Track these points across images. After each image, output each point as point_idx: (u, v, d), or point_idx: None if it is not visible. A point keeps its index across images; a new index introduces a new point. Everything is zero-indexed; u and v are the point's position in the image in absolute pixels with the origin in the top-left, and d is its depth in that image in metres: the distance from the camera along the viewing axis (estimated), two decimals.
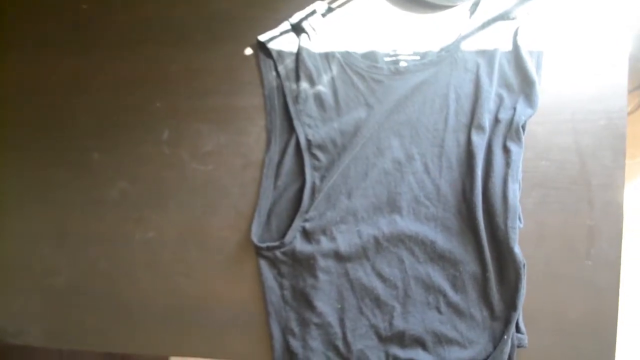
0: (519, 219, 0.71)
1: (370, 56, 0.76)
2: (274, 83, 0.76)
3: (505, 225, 0.68)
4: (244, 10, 0.80)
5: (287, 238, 0.71)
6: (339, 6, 0.79)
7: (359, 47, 0.76)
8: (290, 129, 0.74)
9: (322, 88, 0.74)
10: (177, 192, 0.78)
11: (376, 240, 0.71)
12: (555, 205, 0.73)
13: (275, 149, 0.75)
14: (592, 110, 0.74)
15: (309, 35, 0.75)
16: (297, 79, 0.75)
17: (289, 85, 0.75)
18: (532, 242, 0.72)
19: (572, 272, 0.72)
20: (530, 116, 0.71)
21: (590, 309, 0.71)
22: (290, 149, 0.74)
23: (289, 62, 0.76)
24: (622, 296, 0.72)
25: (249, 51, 0.80)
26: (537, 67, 0.74)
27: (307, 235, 0.72)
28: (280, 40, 0.76)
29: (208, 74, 0.80)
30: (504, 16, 0.74)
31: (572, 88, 0.75)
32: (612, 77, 0.75)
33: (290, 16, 0.77)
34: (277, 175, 0.74)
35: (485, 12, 0.75)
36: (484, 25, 0.75)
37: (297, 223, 0.72)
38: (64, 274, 0.79)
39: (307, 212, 0.72)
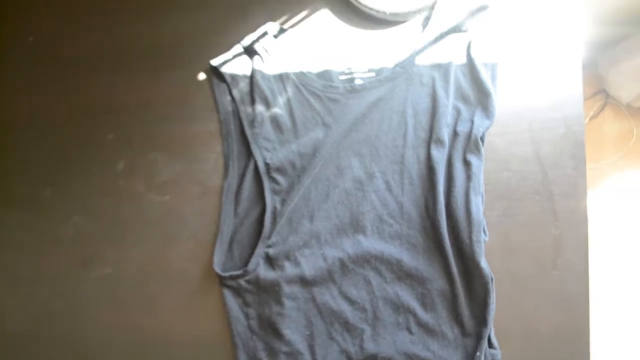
0: (484, 232, 0.70)
1: (325, 75, 0.75)
2: (229, 107, 0.75)
3: (470, 239, 0.67)
4: (195, 36, 0.78)
5: (251, 265, 0.69)
6: (291, 26, 0.79)
7: (313, 66, 0.75)
8: (248, 153, 0.73)
9: (278, 110, 0.73)
10: (134, 225, 0.75)
11: (342, 263, 0.70)
12: (519, 217, 0.73)
13: (234, 175, 0.73)
14: (550, 119, 0.75)
15: (262, 58, 0.74)
16: (252, 102, 0.73)
17: (245, 109, 0.74)
18: (498, 255, 0.72)
19: (540, 284, 0.71)
20: (488, 127, 0.71)
21: (561, 320, 0.71)
22: (249, 174, 0.72)
23: (243, 86, 0.75)
24: (593, 306, 0.71)
25: (202, 76, 0.78)
26: (493, 78, 0.73)
27: (270, 261, 0.70)
28: (233, 63, 0.75)
29: (161, 101, 0.77)
30: (456, 29, 0.74)
31: (528, 98, 0.75)
32: (568, 85, 0.75)
33: (242, 39, 0.76)
34: (236, 201, 0.72)
35: (437, 25, 0.74)
36: (437, 39, 0.74)
37: (260, 249, 0.69)
38: (16, 319, 0.75)
39: (269, 237, 0.70)
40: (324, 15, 0.79)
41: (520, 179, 0.73)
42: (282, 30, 0.76)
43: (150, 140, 0.77)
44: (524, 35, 0.76)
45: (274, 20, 0.77)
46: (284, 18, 0.79)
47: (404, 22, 0.77)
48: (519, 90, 0.75)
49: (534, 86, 0.75)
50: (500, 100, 0.74)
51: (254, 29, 0.75)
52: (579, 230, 0.72)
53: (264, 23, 0.76)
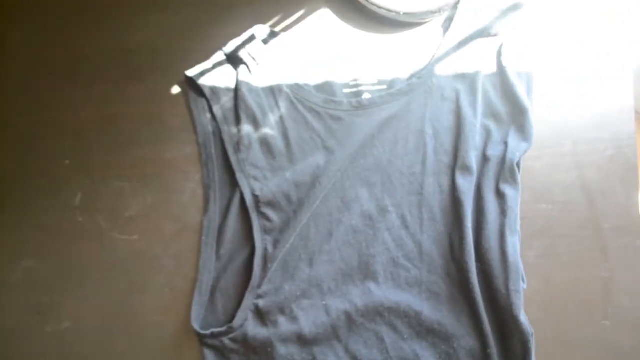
0: (522, 278, 0.60)
1: (326, 88, 0.65)
2: (210, 127, 0.65)
3: (507, 288, 0.57)
4: (169, 41, 0.69)
5: (237, 321, 0.59)
6: (285, 29, 0.68)
7: (311, 77, 0.66)
8: (233, 183, 0.63)
9: (269, 131, 0.63)
10: (95, 270, 0.65)
11: (348, 316, 0.60)
12: (562, 257, 0.64)
13: (215, 209, 0.63)
14: (596, 139, 0.66)
15: (248, 67, 0.64)
16: (238, 121, 0.63)
17: (228, 130, 0.63)
18: (537, 303, 0.63)
19: (588, 336, 0.63)
20: (526, 151, 0.61)
21: None
22: (234, 209, 0.62)
23: (226, 101, 0.64)
24: None
25: (176, 89, 0.68)
26: (528, 91, 0.64)
27: (261, 315, 0.60)
28: (214, 74, 0.65)
29: (127, 119, 0.67)
30: (483, 32, 0.64)
31: (570, 114, 0.67)
32: (617, 98, 0.66)
33: (225, 44, 0.65)
34: (219, 241, 0.62)
35: (461, 28, 0.65)
36: (461, 44, 0.64)
37: (248, 301, 0.59)
38: None
39: (259, 286, 0.60)
40: (324, 16, 0.70)
41: (563, 211, 0.65)
42: (273, 34, 0.67)
43: (114, 167, 0.67)
44: (565, 39, 0.67)
45: (263, 22, 0.68)
46: (275, 19, 0.69)
47: (421, 24, 0.68)
48: (560, 105, 0.67)
49: (577, 100, 0.66)
50: (538, 117, 0.65)
51: (239, 33, 0.66)
52: (633, 271, 0.64)
53: (251, 26, 0.66)
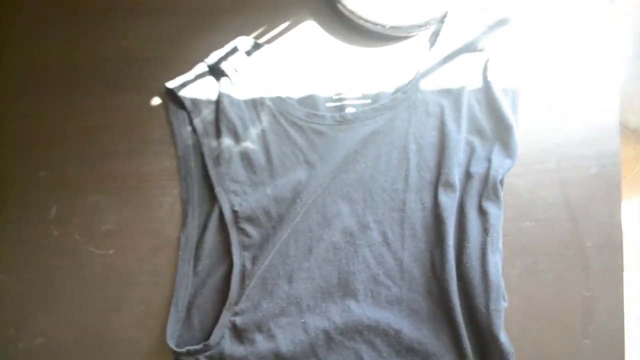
0: (503, 297, 0.59)
1: (309, 102, 0.63)
2: (190, 140, 0.63)
3: (487, 308, 0.56)
4: (150, 51, 0.66)
5: (213, 338, 0.57)
6: (268, 41, 0.66)
7: (294, 91, 0.64)
8: (212, 198, 0.61)
9: (250, 144, 0.61)
10: (69, 285, 0.63)
11: (327, 335, 0.58)
12: (544, 274, 0.64)
13: (194, 224, 0.61)
14: (580, 156, 0.65)
15: (230, 79, 0.62)
16: (218, 134, 0.61)
17: (208, 143, 0.61)
18: (519, 321, 0.62)
19: (568, 355, 0.62)
20: (509, 168, 0.60)
21: None
22: (213, 224, 0.60)
23: (207, 114, 0.62)
24: None
25: (156, 101, 0.65)
26: (514, 107, 0.62)
27: (238, 333, 0.58)
28: (195, 86, 0.62)
29: (105, 131, 0.65)
30: (470, 47, 0.63)
31: (555, 131, 0.65)
32: (602, 115, 0.66)
33: (207, 56, 0.63)
34: (197, 257, 0.60)
35: (447, 42, 0.63)
36: (447, 59, 0.63)
37: (225, 318, 0.58)
38: None
39: (236, 303, 0.58)
40: (309, 28, 0.67)
41: (546, 228, 0.64)
42: (256, 46, 0.65)
43: (90, 179, 0.64)
44: (551, 55, 0.66)
45: (248, 32, 0.66)
46: (260, 30, 0.67)
47: (406, 37, 0.66)
48: (544, 122, 0.65)
49: (562, 117, 0.65)
50: (523, 133, 0.63)
51: (223, 43, 0.63)
52: (614, 290, 0.63)
53: (235, 36, 0.64)
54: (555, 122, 0.65)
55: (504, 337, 0.56)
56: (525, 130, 0.64)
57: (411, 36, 0.66)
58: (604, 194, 0.64)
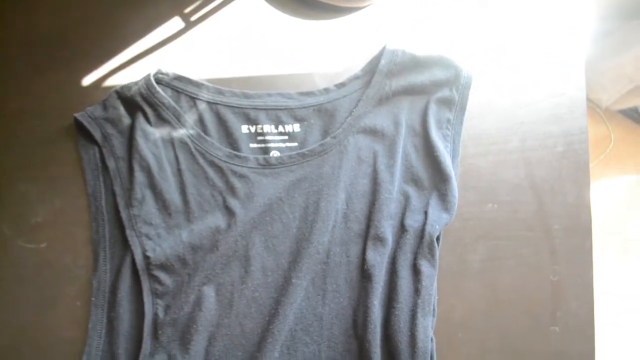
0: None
1: (231, 140, 0.58)
2: (100, 178, 0.57)
3: None
4: (79, 28, 0.62)
5: None
6: (202, 18, 0.62)
7: (215, 127, 0.59)
8: (125, 240, 0.56)
9: (165, 184, 0.56)
10: (0, 281, 0.58)
11: None
12: (508, 260, 0.60)
13: (105, 269, 0.56)
14: (546, 134, 0.62)
15: (146, 113, 0.57)
16: (131, 172, 0.56)
17: (120, 182, 0.56)
18: (482, 310, 0.59)
19: (535, 344, 0.59)
20: (447, 224, 0.56)
21: None
22: (126, 269, 0.55)
23: (119, 149, 0.57)
24: None
25: (88, 81, 0.61)
26: (454, 155, 0.58)
27: None
28: (106, 119, 0.57)
29: (33, 115, 0.60)
30: (407, 89, 0.58)
31: (518, 108, 0.62)
32: (568, 90, 0.62)
33: (138, 33, 0.59)
34: (111, 304, 0.55)
35: (383, 82, 0.59)
36: (382, 101, 0.58)
37: None
38: None
39: (152, 355, 0.53)
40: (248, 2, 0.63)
41: (510, 211, 0.61)
42: (176, 77, 0.59)
43: (18, 167, 0.60)
44: (513, 27, 0.63)
45: (179, 7, 0.62)
46: (195, 5, 0.62)
47: (359, 8, 0.62)
48: (506, 98, 0.62)
49: (526, 93, 0.62)
50: (484, 111, 0.61)
51: (153, 20, 0.59)
52: (583, 275, 0.60)
53: (166, 12, 0.60)
54: (518, 98, 0.62)
55: None
56: (487, 107, 0.61)
57: (365, 6, 0.62)
58: (571, 173, 0.61)
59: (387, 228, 0.55)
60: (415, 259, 0.55)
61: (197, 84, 0.58)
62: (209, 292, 0.54)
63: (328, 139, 0.57)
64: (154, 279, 0.54)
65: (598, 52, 1.36)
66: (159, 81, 0.58)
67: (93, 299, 0.55)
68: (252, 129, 0.58)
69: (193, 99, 0.58)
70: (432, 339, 0.55)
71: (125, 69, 0.60)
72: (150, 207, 0.55)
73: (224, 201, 0.56)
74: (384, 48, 0.59)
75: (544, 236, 0.60)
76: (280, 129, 0.58)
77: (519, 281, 0.60)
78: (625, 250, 1.43)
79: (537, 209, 0.60)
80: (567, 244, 0.60)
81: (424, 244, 0.55)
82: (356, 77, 0.59)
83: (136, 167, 0.55)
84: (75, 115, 0.57)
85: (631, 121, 1.51)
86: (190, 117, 0.57)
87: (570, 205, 0.61)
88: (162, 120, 0.57)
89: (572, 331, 0.59)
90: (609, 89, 1.39)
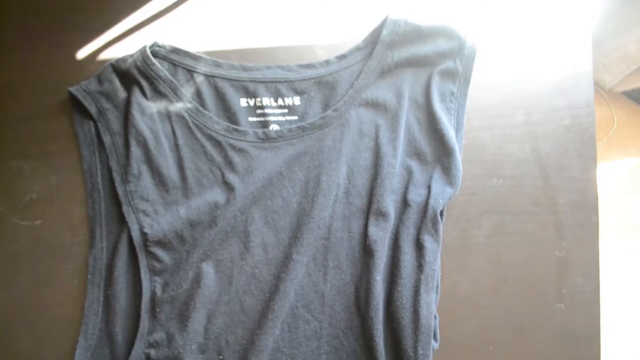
0: (435, 337, 0.54)
1: (229, 114, 0.57)
2: (96, 153, 0.56)
3: (415, 351, 0.52)
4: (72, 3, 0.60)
5: None
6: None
7: (213, 101, 0.57)
8: (121, 216, 0.54)
9: (162, 159, 0.54)
10: None
11: None
12: (513, 235, 0.59)
13: (102, 246, 0.55)
14: (551, 108, 0.61)
15: (143, 86, 0.55)
16: (127, 146, 0.54)
17: (116, 157, 0.55)
18: (487, 286, 0.59)
19: (541, 320, 0.59)
20: (451, 198, 0.55)
21: None
22: (123, 246, 0.54)
23: (115, 124, 0.55)
24: (605, 344, 0.59)
25: (82, 54, 0.59)
26: (458, 128, 0.57)
27: None
28: (102, 93, 0.56)
29: (27, 89, 0.59)
30: (410, 60, 0.57)
31: (524, 81, 0.61)
32: (575, 63, 0.61)
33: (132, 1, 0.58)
34: (107, 282, 0.54)
35: (385, 54, 0.57)
36: (385, 73, 0.57)
37: (138, 349, 0.52)
38: None
39: (150, 333, 0.53)
40: None
41: (515, 186, 0.59)
42: (173, 49, 0.58)
43: (12, 142, 0.58)
44: (521, 5, 0.61)
45: None
46: None
47: None
48: (512, 71, 0.61)
49: (531, 66, 0.61)
50: (489, 84, 0.60)
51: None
52: (589, 250, 0.60)
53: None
54: (524, 71, 0.61)
55: None
56: (492, 80, 0.60)
57: None
58: (577, 147, 0.60)
59: (389, 203, 0.54)
60: (418, 234, 0.54)
61: (195, 57, 0.57)
62: (208, 268, 0.53)
63: (329, 112, 0.56)
64: (151, 256, 0.53)
65: (601, 32, 1.34)
66: (155, 54, 0.56)
67: (89, 276, 0.55)
68: (251, 102, 0.57)
69: (190, 72, 0.57)
70: (435, 316, 0.54)
71: (120, 42, 0.59)
72: (147, 182, 0.54)
73: (223, 176, 0.55)
74: (386, 18, 0.57)
75: (550, 211, 0.59)
76: (280, 102, 0.57)
77: (524, 257, 0.59)
78: (627, 232, 1.42)
79: (543, 184, 0.59)
80: (573, 219, 0.59)
81: (427, 218, 0.53)
82: (357, 49, 0.58)
83: (132, 142, 0.54)
84: (70, 89, 0.56)
85: (635, 103, 1.49)
86: (187, 91, 0.56)
87: (576, 180, 0.59)
88: (158, 93, 0.55)
89: (578, 308, 0.58)
90: (612, 70, 1.37)
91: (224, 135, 0.55)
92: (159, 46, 0.57)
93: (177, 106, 0.55)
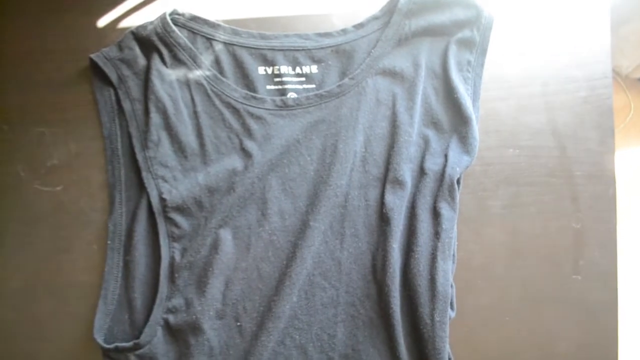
0: (451, 306, 0.54)
1: (247, 81, 0.57)
2: (116, 120, 0.57)
3: (432, 319, 0.52)
4: None
5: (144, 337, 0.52)
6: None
7: (232, 69, 0.57)
8: (141, 182, 0.55)
9: (181, 126, 0.55)
10: (15, 225, 0.58)
11: (261, 340, 0.53)
12: (530, 206, 0.59)
13: (121, 212, 0.55)
14: (569, 79, 0.61)
15: (162, 54, 0.56)
16: (147, 113, 0.55)
17: (136, 123, 0.56)
18: (502, 257, 0.59)
19: (557, 292, 0.58)
20: (467, 166, 0.55)
21: (583, 337, 0.58)
22: (142, 211, 0.55)
23: (135, 91, 0.56)
24: (622, 316, 0.59)
25: (104, 21, 0.60)
26: (474, 97, 0.57)
27: (171, 332, 0.53)
28: (122, 60, 0.56)
29: (47, 56, 0.59)
30: (427, 30, 0.57)
31: (541, 52, 0.61)
32: (592, 34, 0.61)
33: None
34: (127, 247, 0.55)
35: (402, 23, 0.57)
36: (402, 42, 0.57)
37: (157, 315, 0.52)
38: None
39: (169, 299, 0.53)
40: None
41: (531, 157, 0.59)
42: (192, 17, 0.58)
43: (34, 110, 0.59)
44: None
45: None
46: None
47: None
48: (529, 43, 0.60)
49: (548, 36, 0.60)
50: (506, 56, 0.60)
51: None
52: (606, 223, 0.59)
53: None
54: (541, 42, 0.60)
55: (447, 352, 0.52)
56: (509, 51, 0.60)
57: None
58: (594, 119, 0.60)
59: (406, 171, 0.54)
60: (435, 202, 0.54)
61: (213, 25, 0.57)
62: (226, 235, 0.54)
63: (346, 80, 0.56)
64: (170, 221, 0.54)
65: (618, 16, 1.32)
66: (174, 22, 0.57)
67: (109, 242, 0.55)
68: (269, 70, 0.57)
69: (209, 40, 0.57)
70: (452, 285, 0.54)
71: (141, 10, 0.59)
72: (166, 149, 0.55)
73: (241, 143, 0.55)
74: None
75: (566, 182, 0.59)
76: (298, 70, 0.57)
77: (541, 228, 0.59)
78: None
79: (559, 155, 0.59)
80: (589, 191, 0.59)
81: (444, 186, 0.53)
82: (375, 18, 0.58)
83: (152, 109, 0.55)
84: (91, 56, 0.56)
85: None
86: (206, 58, 0.57)
87: (593, 152, 0.59)
88: (178, 61, 0.56)
89: (594, 280, 0.58)
90: (629, 55, 1.35)
91: (242, 103, 0.56)
92: (178, 14, 0.57)
93: (196, 73, 0.56)
